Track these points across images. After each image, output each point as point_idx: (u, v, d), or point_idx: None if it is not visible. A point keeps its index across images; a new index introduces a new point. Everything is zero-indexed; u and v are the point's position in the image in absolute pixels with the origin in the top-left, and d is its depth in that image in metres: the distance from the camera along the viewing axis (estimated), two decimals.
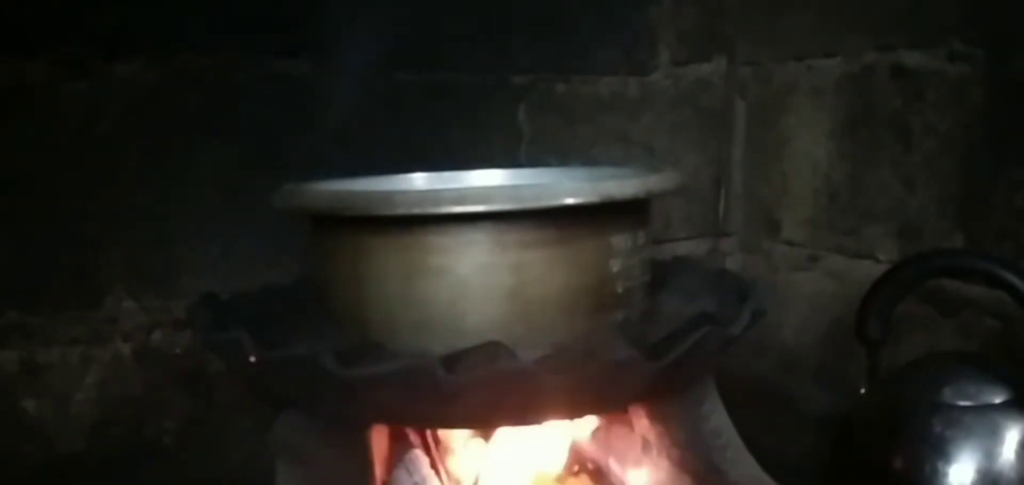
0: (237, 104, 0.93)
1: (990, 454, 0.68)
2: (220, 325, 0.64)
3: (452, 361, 0.56)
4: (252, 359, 0.59)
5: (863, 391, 0.77)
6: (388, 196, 0.61)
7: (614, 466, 0.75)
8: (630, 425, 0.73)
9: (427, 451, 0.72)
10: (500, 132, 1.06)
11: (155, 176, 0.91)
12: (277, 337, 0.63)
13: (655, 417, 0.71)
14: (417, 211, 0.59)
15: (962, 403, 0.70)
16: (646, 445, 0.72)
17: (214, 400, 0.96)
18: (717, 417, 0.70)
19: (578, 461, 0.78)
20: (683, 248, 1.17)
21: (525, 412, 0.63)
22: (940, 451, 0.69)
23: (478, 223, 0.60)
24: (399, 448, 0.71)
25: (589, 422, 0.76)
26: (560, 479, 0.76)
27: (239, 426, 0.93)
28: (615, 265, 0.64)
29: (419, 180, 0.79)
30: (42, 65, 0.87)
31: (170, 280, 0.93)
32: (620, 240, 0.64)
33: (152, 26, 0.89)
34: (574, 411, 0.67)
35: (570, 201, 0.59)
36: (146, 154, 0.91)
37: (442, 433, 0.73)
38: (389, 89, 0.98)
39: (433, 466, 0.71)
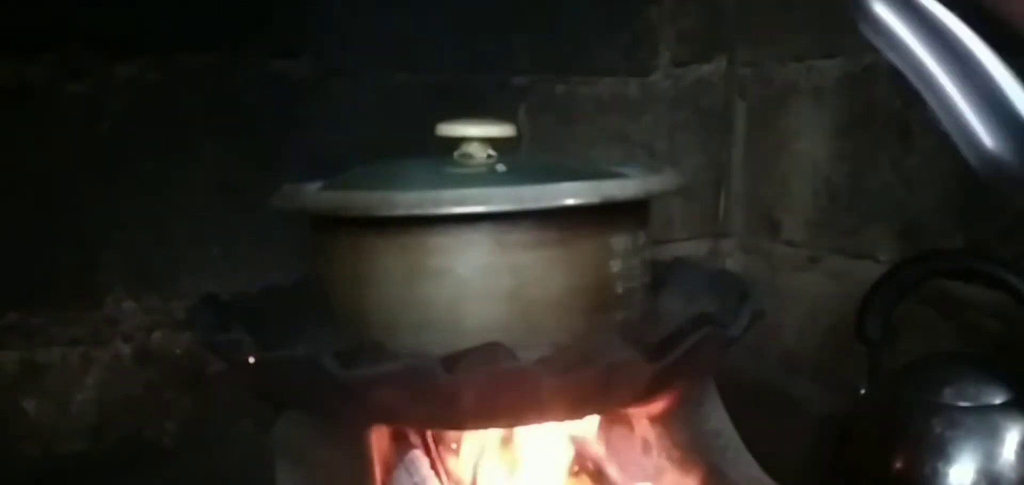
0: (237, 104, 0.93)
1: (990, 455, 0.68)
2: (220, 325, 0.64)
3: (452, 361, 0.56)
4: (252, 360, 0.59)
5: (863, 391, 0.77)
6: (388, 197, 0.61)
7: (614, 467, 0.75)
8: (630, 425, 0.73)
9: (427, 451, 0.72)
10: None
11: (155, 176, 0.91)
12: (277, 338, 0.63)
13: (655, 417, 0.71)
14: (417, 212, 0.59)
15: (962, 404, 0.70)
16: (646, 445, 0.72)
17: (214, 400, 0.96)
18: (717, 417, 0.70)
19: (578, 461, 0.78)
20: (683, 248, 1.17)
21: (525, 413, 0.62)
22: (940, 452, 0.69)
23: (478, 224, 0.60)
24: (399, 448, 0.70)
25: (589, 422, 0.76)
26: (560, 480, 0.76)
27: (239, 426, 0.93)
28: (615, 266, 0.64)
29: None
30: (42, 65, 0.86)
31: (170, 280, 0.93)
32: (620, 241, 0.64)
33: (152, 26, 0.89)
34: (574, 412, 0.67)
35: (570, 202, 0.59)
36: (146, 154, 0.90)
37: (442, 433, 0.73)
38: (388, 90, 0.98)
39: (433, 466, 0.71)
